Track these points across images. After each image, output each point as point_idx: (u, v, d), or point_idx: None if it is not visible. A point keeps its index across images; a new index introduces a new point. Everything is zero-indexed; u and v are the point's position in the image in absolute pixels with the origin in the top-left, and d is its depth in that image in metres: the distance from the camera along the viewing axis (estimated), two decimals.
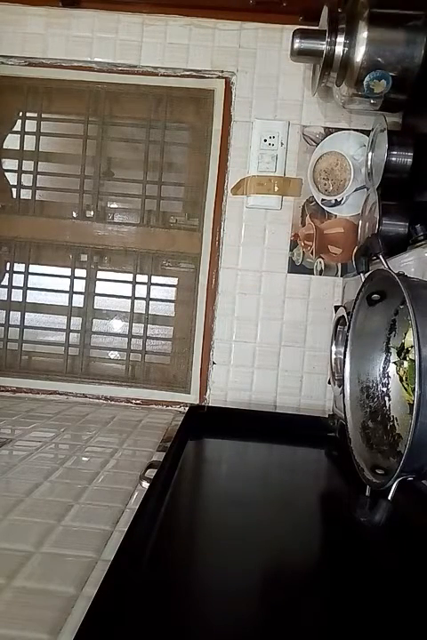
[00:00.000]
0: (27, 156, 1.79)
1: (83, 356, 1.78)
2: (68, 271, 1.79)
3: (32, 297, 1.80)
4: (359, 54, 1.28)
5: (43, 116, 1.79)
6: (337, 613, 0.62)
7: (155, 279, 1.80)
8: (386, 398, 0.71)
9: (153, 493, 0.83)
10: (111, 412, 1.57)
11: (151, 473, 0.93)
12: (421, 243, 0.97)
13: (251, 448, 1.37)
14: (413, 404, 0.52)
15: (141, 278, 1.79)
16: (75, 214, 1.81)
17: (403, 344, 0.68)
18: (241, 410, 1.58)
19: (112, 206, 1.85)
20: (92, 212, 1.79)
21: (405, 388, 0.68)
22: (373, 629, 0.60)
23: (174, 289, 1.83)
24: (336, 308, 1.42)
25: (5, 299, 1.80)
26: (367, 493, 0.62)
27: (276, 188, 1.65)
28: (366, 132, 1.59)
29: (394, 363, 0.70)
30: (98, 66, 1.71)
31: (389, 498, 0.55)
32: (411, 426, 0.52)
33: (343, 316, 1.32)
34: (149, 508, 0.79)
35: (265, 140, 1.66)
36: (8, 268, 1.81)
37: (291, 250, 1.67)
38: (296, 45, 1.38)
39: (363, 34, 1.27)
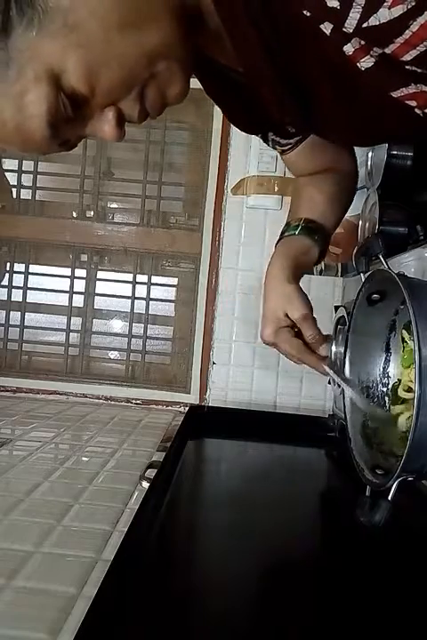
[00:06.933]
0: (27, 155, 1.79)
1: (83, 356, 1.78)
2: (68, 271, 1.79)
3: (32, 297, 1.80)
4: None
5: None
6: (337, 613, 0.62)
7: (155, 279, 1.80)
8: (386, 398, 0.71)
9: (153, 493, 0.83)
10: (111, 412, 1.57)
11: (151, 473, 0.93)
12: (421, 243, 0.97)
13: (251, 448, 1.37)
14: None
15: (141, 278, 1.79)
16: (75, 214, 1.80)
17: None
18: (241, 410, 1.58)
19: (112, 206, 1.85)
20: (92, 212, 1.79)
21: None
22: (372, 629, 0.60)
23: (174, 289, 1.83)
24: (336, 307, 1.42)
25: (5, 299, 1.80)
26: (367, 493, 0.62)
27: (276, 188, 1.65)
28: None
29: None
30: None
31: (389, 498, 0.55)
32: (411, 426, 0.52)
33: (343, 315, 1.32)
34: (149, 508, 0.79)
35: None
36: (8, 268, 1.81)
37: None
38: None
39: None
